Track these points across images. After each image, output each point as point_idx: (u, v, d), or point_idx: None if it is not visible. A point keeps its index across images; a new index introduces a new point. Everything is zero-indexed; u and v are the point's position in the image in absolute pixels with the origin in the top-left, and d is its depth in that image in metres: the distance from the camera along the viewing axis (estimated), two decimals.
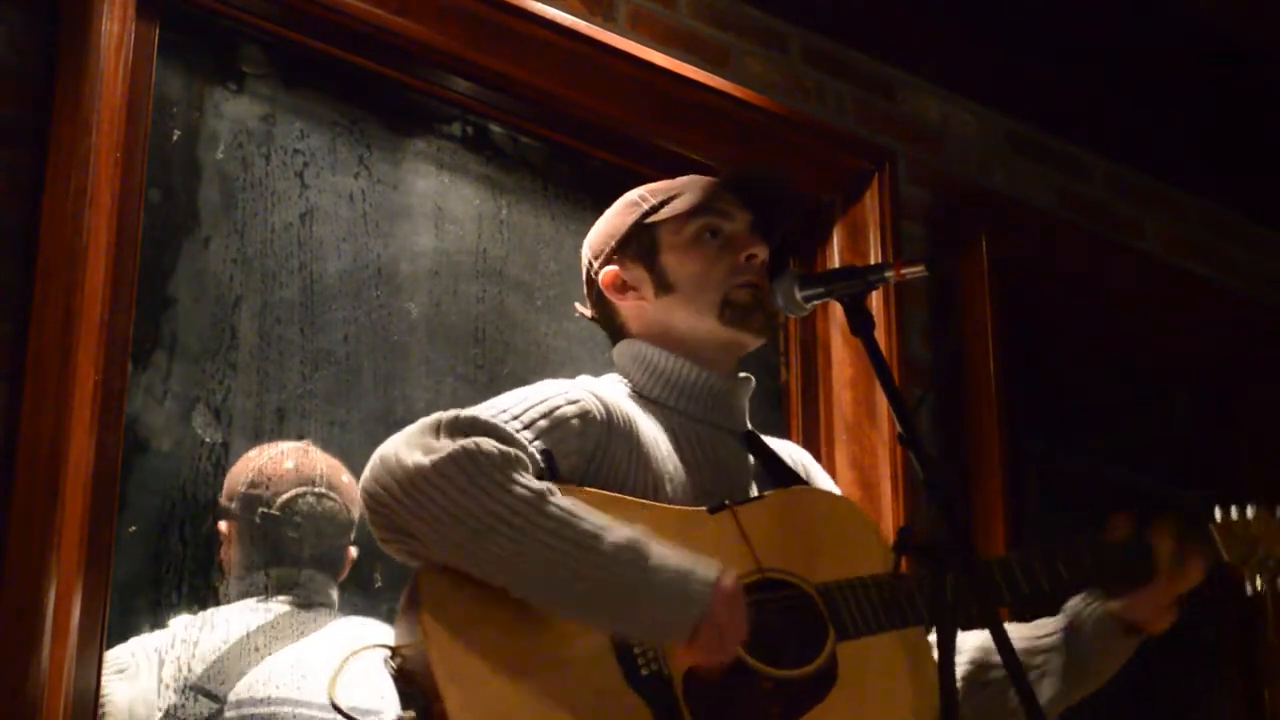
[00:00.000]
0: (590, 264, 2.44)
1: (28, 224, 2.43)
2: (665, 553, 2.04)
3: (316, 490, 2.75)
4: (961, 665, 2.34)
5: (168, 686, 2.55)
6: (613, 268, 2.40)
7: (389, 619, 2.75)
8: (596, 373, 2.43)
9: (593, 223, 2.48)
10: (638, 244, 2.39)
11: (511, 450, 2.06)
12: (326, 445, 2.80)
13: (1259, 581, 2.43)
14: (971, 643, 2.36)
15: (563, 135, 3.17)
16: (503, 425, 2.11)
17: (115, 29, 2.54)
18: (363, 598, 2.78)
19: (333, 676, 2.12)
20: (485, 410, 2.14)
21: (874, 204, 3.39)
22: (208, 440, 2.69)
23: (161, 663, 2.57)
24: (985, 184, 3.71)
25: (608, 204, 2.49)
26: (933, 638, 2.11)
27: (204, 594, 2.65)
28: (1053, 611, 2.41)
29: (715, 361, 2.37)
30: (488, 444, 2.04)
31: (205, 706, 2.56)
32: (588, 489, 2.15)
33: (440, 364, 2.96)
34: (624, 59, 3.12)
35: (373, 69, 2.96)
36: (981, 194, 3.67)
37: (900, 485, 3.18)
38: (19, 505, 2.31)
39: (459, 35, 2.95)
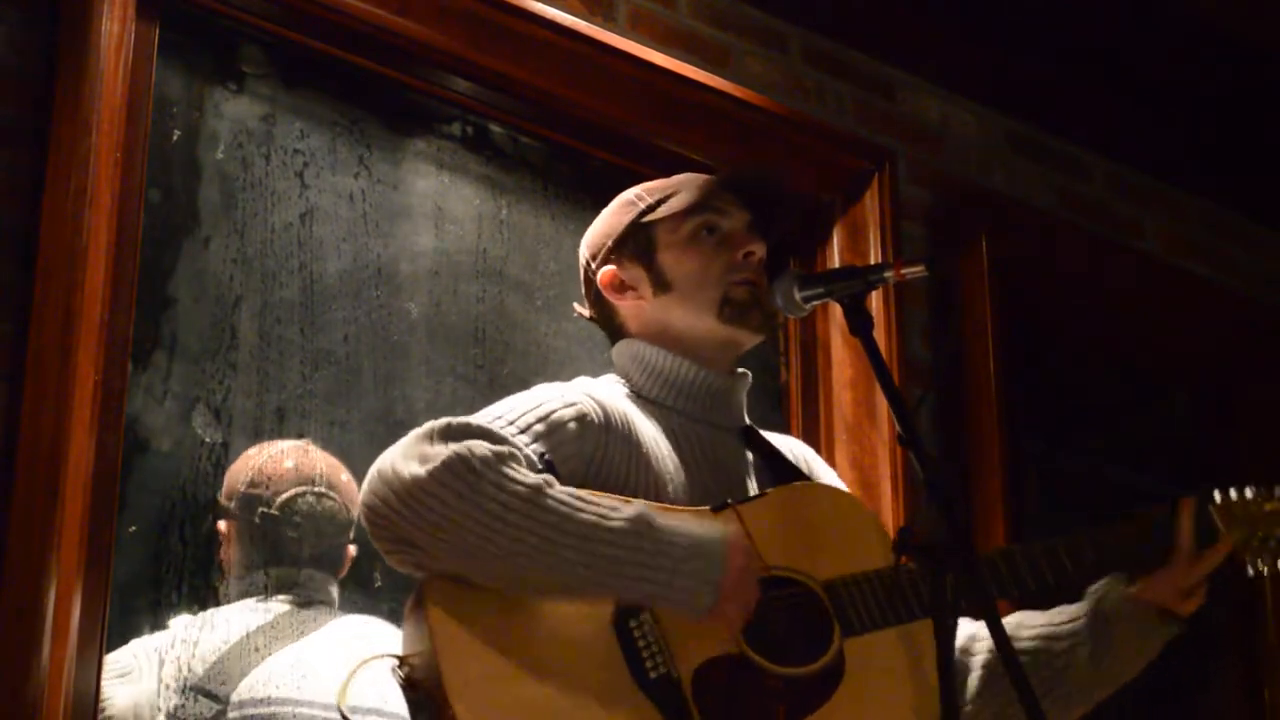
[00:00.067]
0: (587, 264, 2.44)
1: (28, 224, 2.43)
2: (673, 521, 2.07)
3: (316, 490, 2.75)
4: (982, 654, 2.34)
5: (168, 686, 2.55)
6: (610, 267, 2.40)
7: (389, 618, 2.75)
8: (596, 373, 2.43)
9: (592, 222, 2.48)
10: (635, 243, 2.39)
11: (505, 448, 2.07)
12: (326, 445, 2.80)
13: (1260, 563, 2.40)
14: (984, 634, 2.35)
15: (563, 135, 3.17)
16: (498, 430, 2.11)
17: (115, 29, 2.54)
18: (363, 596, 2.78)
19: (342, 686, 2.12)
20: (481, 417, 2.15)
21: (874, 204, 3.39)
22: (208, 440, 2.69)
23: (161, 663, 2.57)
24: (985, 184, 3.71)
25: (607, 204, 2.49)
26: None
27: (204, 594, 2.65)
28: (1057, 603, 2.41)
29: (714, 360, 2.37)
30: (481, 447, 2.04)
31: (207, 707, 2.56)
32: (590, 492, 2.14)
33: (440, 364, 2.96)
34: (624, 59, 3.12)
35: (373, 69, 2.96)
36: (981, 194, 3.67)
37: (900, 485, 3.18)
38: (19, 505, 2.31)
39: (459, 35, 2.95)
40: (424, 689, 2.03)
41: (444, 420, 2.09)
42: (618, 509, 2.07)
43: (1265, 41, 3.96)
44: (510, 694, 2.00)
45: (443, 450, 2.03)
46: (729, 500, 2.21)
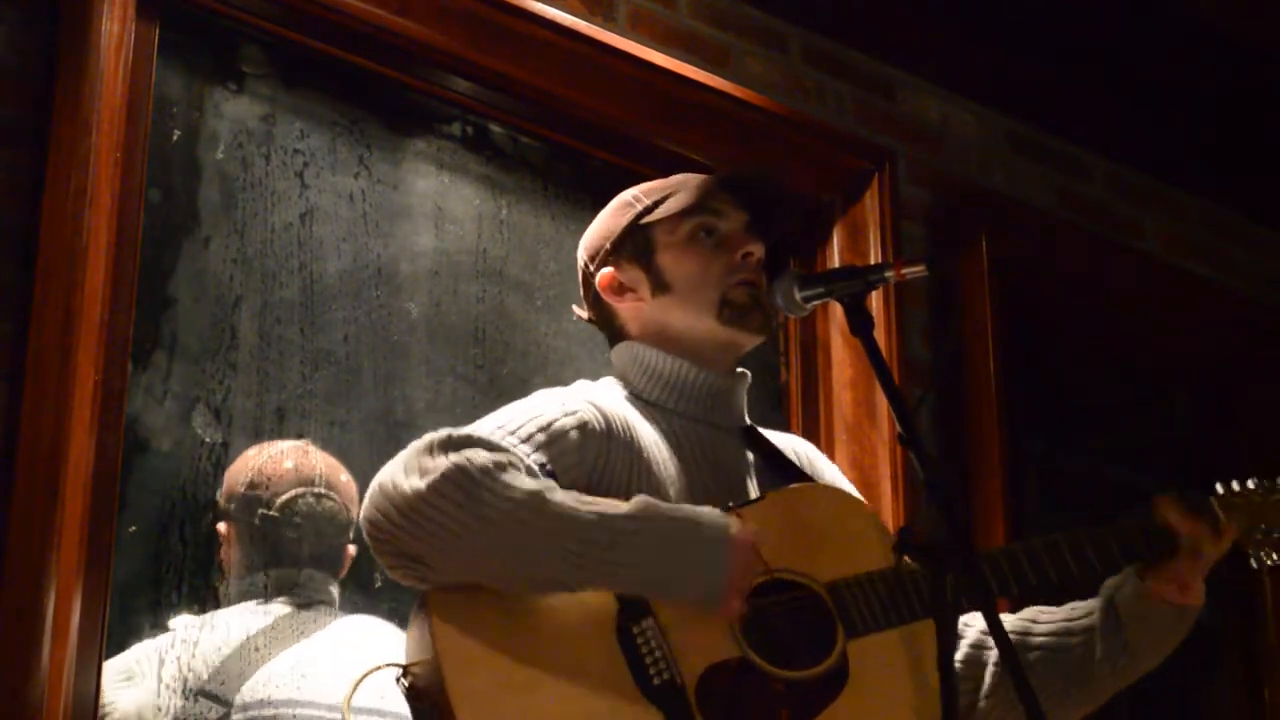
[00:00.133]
0: (586, 266, 2.44)
1: (28, 224, 2.43)
2: (673, 510, 2.08)
3: (316, 490, 2.75)
4: (993, 650, 2.33)
5: (167, 686, 2.55)
6: (609, 269, 2.40)
7: (389, 617, 2.75)
8: (595, 373, 2.43)
9: (592, 222, 2.48)
10: (633, 245, 2.39)
11: (504, 456, 2.06)
12: (326, 445, 2.80)
13: (1263, 555, 2.39)
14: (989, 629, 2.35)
15: (563, 135, 3.17)
16: (498, 439, 2.11)
17: (115, 29, 2.54)
18: (363, 596, 2.78)
19: (346, 697, 2.12)
20: (481, 427, 2.15)
21: (874, 204, 3.39)
22: (208, 440, 2.69)
23: (161, 663, 2.57)
24: (985, 184, 3.71)
25: (607, 204, 2.49)
26: None
27: (204, 594, 2.65)
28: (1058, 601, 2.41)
29: (714, 361, 2.37)
30: (479, 456, 2.04)
31: (211, 710, 2.56)
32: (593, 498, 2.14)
33: (440, 364, 2.96)
34: (624, 59, 3.12)
35: (373, 69, 2.96)
36: (981, 194, 3.67)
37: (900, 485, 3.18)
38: (19, 505, 2.31)
39: (459, 35, 2.95)
40: (428, 699, 2.03)
41: (444, 432, 2.09)
42: (619, 506, 2.07)
43: (1265, 41, 3.96)
44: (514, 703, 2.00)
45: (442, 462, 2.03)
46: (729, 504, 2.21)
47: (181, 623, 2.61)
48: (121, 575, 2.47)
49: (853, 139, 3.46)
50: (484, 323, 3.03)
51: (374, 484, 2.07)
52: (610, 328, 2.43)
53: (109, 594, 2.39)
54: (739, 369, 2.41)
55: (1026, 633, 2.35)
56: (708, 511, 2.11)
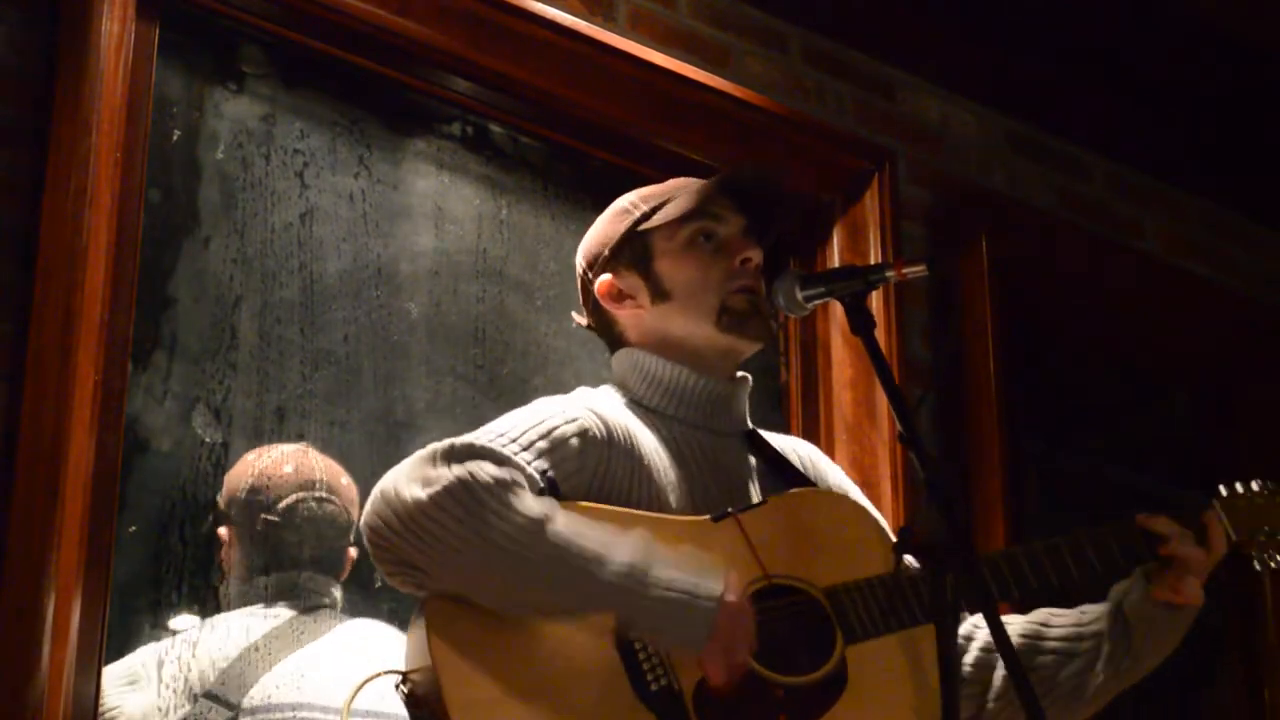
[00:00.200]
0: (584, 273, 2.43)
1: (28, 224, 2.43)
2: (669, 572, 2.04)
3: (317, 495, 2.75)
4: None
5: (167, 686, 2.55)
6: (607, 277, 2.39)
7: (389, 618, 2.75)
8: (596, 374, 2.43)
9: (592, 222, 2.48)
10: (631, 252, 2.38)
11: (508, 474, 2.06)
12: (326, 445, 2.80)
13: (1266, 558, 2.37)
14: (1013, 631, 2.34)
15: (563, 135, 3.17)
16: (500, 449, 2.10)
17: (115, 29, 2.54)
18: (363, 598, 2.78)
19: (346, 702, 2.12)
20: (483, 435, 2.13)
21: (874, 204, 3.39)
22: (208, 440, 2.69)
23: (161, 663, 2.57)
24: (985, 184, 3.71)
25: (607, 204, 2.48)
26: None
27: (204, 594, 2.66)
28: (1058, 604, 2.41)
29: (714, 367, 2.36)
30: (484, 472, 2.04)
31: (219, 713, 2.56)
32: (592, 505, 2.14)
33: (440, 364, 2.96)
34: (624, 59, 3.12)
35: (373, 69, 2.96)
36: (981, 194, 3.67)
37: (900, 485, 3.18)
38: (19, 505, 2.31)
39: (459, 35, 2.95)
40: (427, 706, 2.04)
41: (448, 442, 2.08)
42: (616, 547, 2.04)
43: (1265, 41, 3.96)
44: (511, 710, 2.00)
45: (446, 473, 2.03)
46: (729, 509, 2.20)
47: (183, 625, 2.61)
48: (121, 575, 2.47)
49: (853, 139, 3.46)
50: (484, 323, 3.03)
51: (376, 490, 2.07)
52: (609, 335, 2.42)
53: (109, 594, 2.39)
54: (740, 373, 2.41)
55: (1039, 636, 2.34)
56: (702, 578, 2.06)
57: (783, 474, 2.36)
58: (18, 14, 2.51)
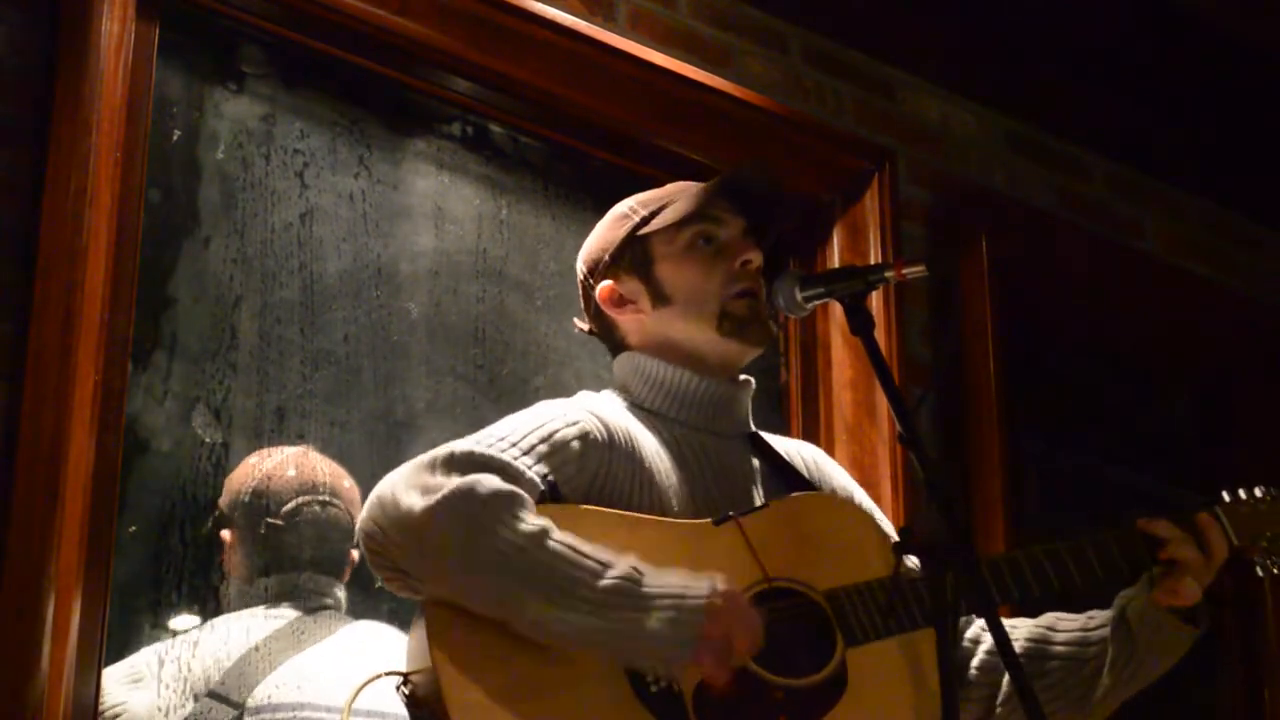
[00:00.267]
0: (585, 279, 2.42)
1: (28, 224, 2.43)
2: (660, 582, 2.02)
3: (320, 498, 2.75)
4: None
5: (167, 686, 2.55)
6: (608, 282, 2.38)
7: (389, 618, 2.75)
8: (596, 374, 2.43)
9: (593, 223, 2.48)
10: (631, 256, 2.38)
11: (507, 487, 2.05)
12: (326, 446, 2.80)
13: (1269, 564, 2.36)
14: (1019, 635, 2.35)
15: (563, 135, 3.17)
16: (500, 456, 2.09)
17: (115, 29, 2.54)
18: (363, 598, 2.78)
19: (347, 703, 2.12)
20: (483, 441, 2.13)
21: (874, 204, 3.39)
22: (208, 440, 2.69)
23: (161, 663, 2.57)
24: (985, 184, 3.71)
25: (608, 204, 2.49)
26: None
27: (204, 595, 2.66)
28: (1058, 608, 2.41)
29: (715, 370, 2.36)
30: (483, 484, 2.03)
31: (223, 713, 2.56)
32: (593, 508, 2.14)
33: (440, 364, 2.96)
34: (624, 59, 3.12)
35: (373, 69, 2.96)
36: (981, 194, 3.67)
37: (900, 485, 3.18)
38: (19, 505, 2.31)
39: (459, 35, 2.95)
40: (427, 708, 2.04)
41: (447, 448, 2.08)
42: (609, 569, 2.01)
43: (1265, 41, 3.96)
44: (512, 712, 2.00)
45: (445, 483, 2.02)
46: (730, 513, 2.20)
47: (183, 625, 2.61)
48: (121, 576, 2.47)
49: (853, 139, 3.46)
50: (484, 323, 3.03)
51: (374, 495, 2.06)
52: (611, 339, 2.42)
53: (109, 594, 2.39)
54: (742, 377, 2.40)
55: (1046, 641, 2.34)
56: (694, 582, 2.03)
57: (786, 477, 2.36)
58: (18, 14, 2.51)
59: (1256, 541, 2.36)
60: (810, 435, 3.25)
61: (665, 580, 2.03)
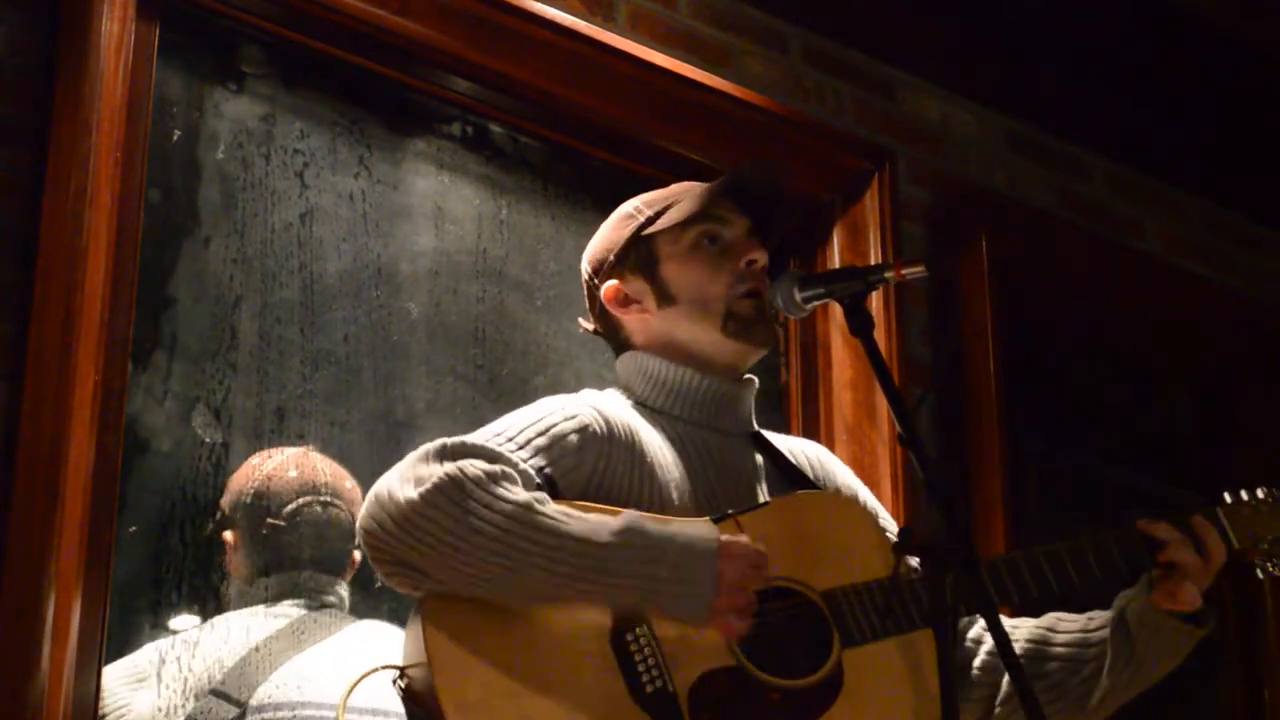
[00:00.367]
0: (590, 279, 2.43)
1: (28, 224, 2.43)
2: (661, 528, 2.05)
3: (322, 499, 2.75)
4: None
5: (167, 686, 2.55)
6: (613, 282, 2.39)
7: (389, 618, 2.75)
8: (597, 374, 2.43)
9: (593, 222, 2.48)
10: (636, 256, 2.38)
11: (497, 467, 2.06)
12: (326, 446, 2.80)
13: (1269, 566, 2.36)
14: (1020, 635, 2.35)
15: (563, 135, 3.17)
16: (494, 447, 2.10)
17: (115, 29, 2.54)
18: (363, 598, 2.78)
19: (344, 696, 2.13)
20: (479, 435, 2.14)
21: (874, 204, 3.39)
22: (208, 440, 2.69)
23: (163, 662, 2.57)
24: (985, 184, 3.71)
25: (608, 204, 2.49)
26: None
27: (204, 594, 2.66)
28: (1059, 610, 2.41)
29: (720, 370, 2.36)
30: (472, 467, 2.04)
31: (226, 711, 2.56)
32: (589, 505, 2.14)
33: (440, 364, 2.96)
34: (624, 59, 3.12)
35: (373, 69, 2.96)
36: (981, 194, 3.67)
37: (900, 485, 3.18)
38: (19, 505, 2.31)
39: (459, 35, 2.95)
40: (423, 704, 2.04)
41: (440, 441, 2.09)
42: (607, 522, 2.05)
43: (1265, 41, 3.96)
44: (506, 710, 2.00)
45: (437, 471, 2.03)
46: (729, 510, 2.20)
47: (183, 625, 2.61)
48: (121, 576, 2.47)
49: (853, 139, 3.46)
50: (484, 323, 3.03)
51: (371, 492, 2.07)
52: (616, 340, 2.43)
53: (109, 594, 2.39)
54: (746, 375, 2.41)
55: (1046, 641, 2.34)
56: (697, 529, 2.08)
57: (790, 475, 2.36)
58: (18, 14, 2.51)
59: (1258, 544, 2.36)
60: (810, 435, 3.25)
61: (667, 530, 2.05)
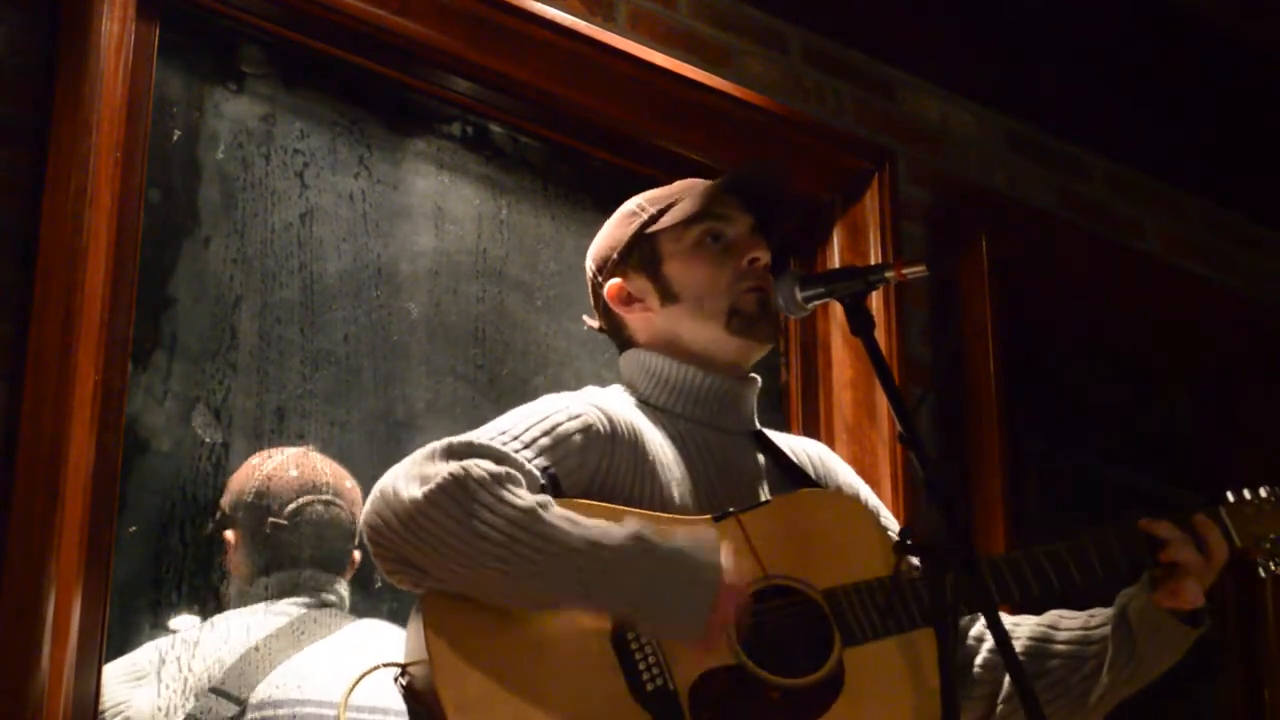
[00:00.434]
0: (594, 277, 2.43)
1: (28, 224, 2.43)
2: (669, 545, 2.05)
3: (323, 498, 2.75)
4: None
5: (167, 686, 2.55)
6: (617, 280, 2.39)
7: (389, 618, 2.75)
8: (597, 373, 2.43)
9: (593, 222, 2.48)
10: (639, 254, 2.38)
11: (503, 469, 2.06)
12: (326, 446, 2.80)
13: (1272, 565, 2.36)
14: (1022, 633, 2.35)
15: (563, 135, 3.17)
16: (499, 447, 2.10)
17: (115, 29, 2.54)
18: (363, 598, 2.78)
19: (344, 694, 2.13)
20: (484, 433, 2.14)
21: (874, 204, 3.39)
22: (208, 440, 2.69)
23: (162, 661, 2.57)
24: (985, 184, 3.71)
25: (608, 204, 2.49)
26: None
27: (204, 594, 2.66)
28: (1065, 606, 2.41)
29: (723, 368, 2.36)
30: (478, 467, 2.04)
31: (227, 709, 2.56)
32: (592, 503, 2.14)
33: (440, 364, 2.96)
34: (624, 59, 3.12)
35: (373, 69, 2.96)
36: (981, 194, 3.67)
37: (900, 485, 3.18)
38: (19, 505, 2.31)
39: (459, 35, 2.95)
40: (423, 702, 2.04)
41: (446, 440, 2.09)
42: (610, 531, 2.05)
43: (1265, 41, 3.96)
44: (506, 708, 2.00)
45: (442, 469, 2.03)
46: (731, 509, 2.20)
47: (183, 625, 2.61)
48: (121, 575, 2.47)
49: (853, 139, 3.46)
50: (484, 323, 3.03)
51: (375, 489, 2.07)
52: (620, 337, 2.43)
53: (109, 594, 2.39)
54: (749, 374, 2.41)
55: (1047, 639, 2.34)
56: (702, 548, 2.07)
57: (792, 474, 2.36)
58: (18, 14, 2.51)
59: (1260, 543, 2.37)
60: (810, 435, 3.24)
61: (674, 544, 2.05)
